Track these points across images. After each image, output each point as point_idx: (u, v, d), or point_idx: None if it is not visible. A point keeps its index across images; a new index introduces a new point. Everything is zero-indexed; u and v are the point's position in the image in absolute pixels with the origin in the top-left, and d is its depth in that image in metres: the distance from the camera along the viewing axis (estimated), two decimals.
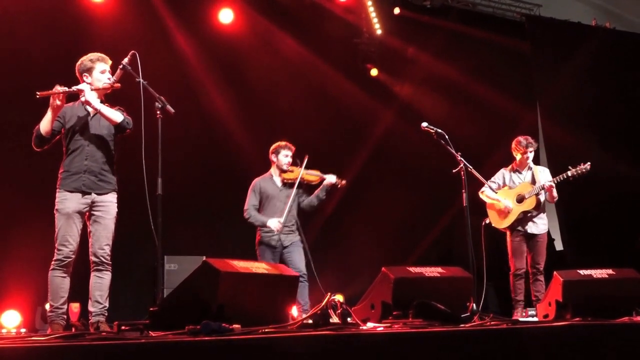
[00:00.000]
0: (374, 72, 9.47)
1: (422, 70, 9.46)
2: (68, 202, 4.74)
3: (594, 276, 5.07)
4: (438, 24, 9.58)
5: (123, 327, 3.85)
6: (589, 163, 6.43)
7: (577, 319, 4.64)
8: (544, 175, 6.59)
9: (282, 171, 6.29)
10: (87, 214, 4.84)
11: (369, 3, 9.28)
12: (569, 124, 9.35)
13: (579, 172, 6.41)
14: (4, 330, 6.13)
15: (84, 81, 4.87)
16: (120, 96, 5.63)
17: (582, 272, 5.11)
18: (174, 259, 7.17)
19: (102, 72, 4.91)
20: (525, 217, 6.50)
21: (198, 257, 6.51)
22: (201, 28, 8.40)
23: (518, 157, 6.61)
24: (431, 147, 6.36)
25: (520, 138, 6.60)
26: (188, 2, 8.46)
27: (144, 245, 5.62)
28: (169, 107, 4.94)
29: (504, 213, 6.52)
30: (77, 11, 7.58)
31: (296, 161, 6.33)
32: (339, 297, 6.36)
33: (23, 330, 6.28)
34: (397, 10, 9.48)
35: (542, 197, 6.51)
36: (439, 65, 9.40)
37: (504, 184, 6.62)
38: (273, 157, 6.34)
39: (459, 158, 5.79)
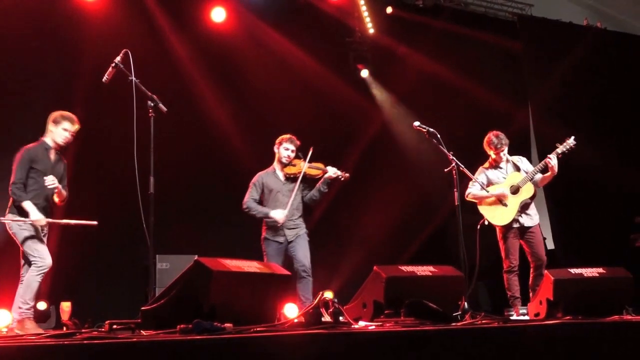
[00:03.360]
0: (364, 73, 9.47)
1: (414, 69, 9.47)
2: None
3: (585, 275, 5.09)
4: (430, 24, 9.58)
5: (114, 326, 3.84)
6: (572, 137, 6.35)
7: (568, 317, 4.66)
8: (524, 164, 6.48)
9: (284, 165, 6.21)
10: None
11: (362, 2, 9.28)
12: (560, 123, 9.36)
13: (567, 147, 6.31)
14: None
15: (49, 128, 5.45)
16: (113, 95, 5.63)
17: (573, 270, 5.14)
18: (165, 258, 7.15)
19: (65, 130, 5.43)
20: (521, 209, 6.34)
21: (190, 256, 6.50)
22: (193, 26, 8.38)
23: (492, 154, 6.45)
24: (423, 146, 6.37)
25: (492, 136, 6.42)
26: (180, 0, 8.44)
27: (136, 244, 5.60)
28: (161, 105, 4.94)
29: (499, 205, 6.35)
30: (69, 10, 7.55)
31: (299, 155, 6.23)
32: (329, 294, 6.34)
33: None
34: (389, 10, 9.49)
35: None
36: (431, 64, 9.40)
37: (489, 183, 6.46)
38: (275, 149, 6.26)
39: (451, 157, 5.79)
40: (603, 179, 9.42)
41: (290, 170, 6.20)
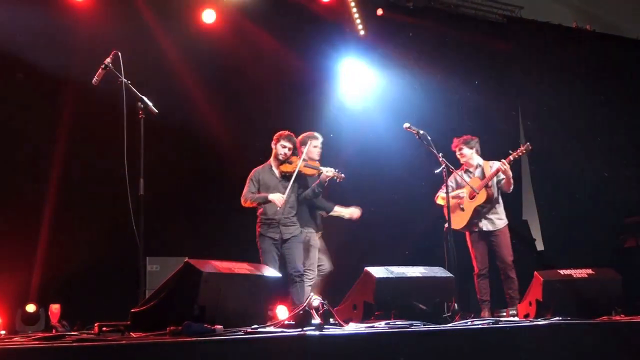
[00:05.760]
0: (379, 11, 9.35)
1: (404, 70, 9.47)
2: None
3: (574, 276, 5.12)
4: (421, 25, 9.60)
5: (104, 329, 3.83)
6: (528, 143, 6.42)
7: (557, 318, 4.68)
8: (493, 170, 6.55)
9: (280, 162, 6.16)
10: None
11: (352, 3, 9.28)
12: (550, 125, 9.41)
13: (519, 154, 6.36)
14: None
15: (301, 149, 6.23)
16: (103, 96, 5.61)
17: (562, 272, 5.17)
18: (155, 260, 7.11)
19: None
20: (479, 214, 6.42)
21: (180, 258, 6.48)
22: (184, 28, 8.34)
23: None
24: (414, 147, 6.38)
25: (454, 139, 6.62)
26: (170, 1, 8.41)
27: (126, 246, 5.58)
28: (151, 107, 4.93)
29: (457, 209, 6.46)
30: (58, 10, 7.50)
31: (296, 152, 6.17)
32: (317, 299, 6.32)
33: (2, 332, 6.22)
34: (380, 11, 9.50)
35: (494, 190, 6.44)
36: (421, 65, 9.42)
37: (457, 186, 6.58)
38: (273, 145, 6.21)
39: (441, 159, 5.81)
40: (592, 180, 9.47)
41: (286, 168, 6.14)
